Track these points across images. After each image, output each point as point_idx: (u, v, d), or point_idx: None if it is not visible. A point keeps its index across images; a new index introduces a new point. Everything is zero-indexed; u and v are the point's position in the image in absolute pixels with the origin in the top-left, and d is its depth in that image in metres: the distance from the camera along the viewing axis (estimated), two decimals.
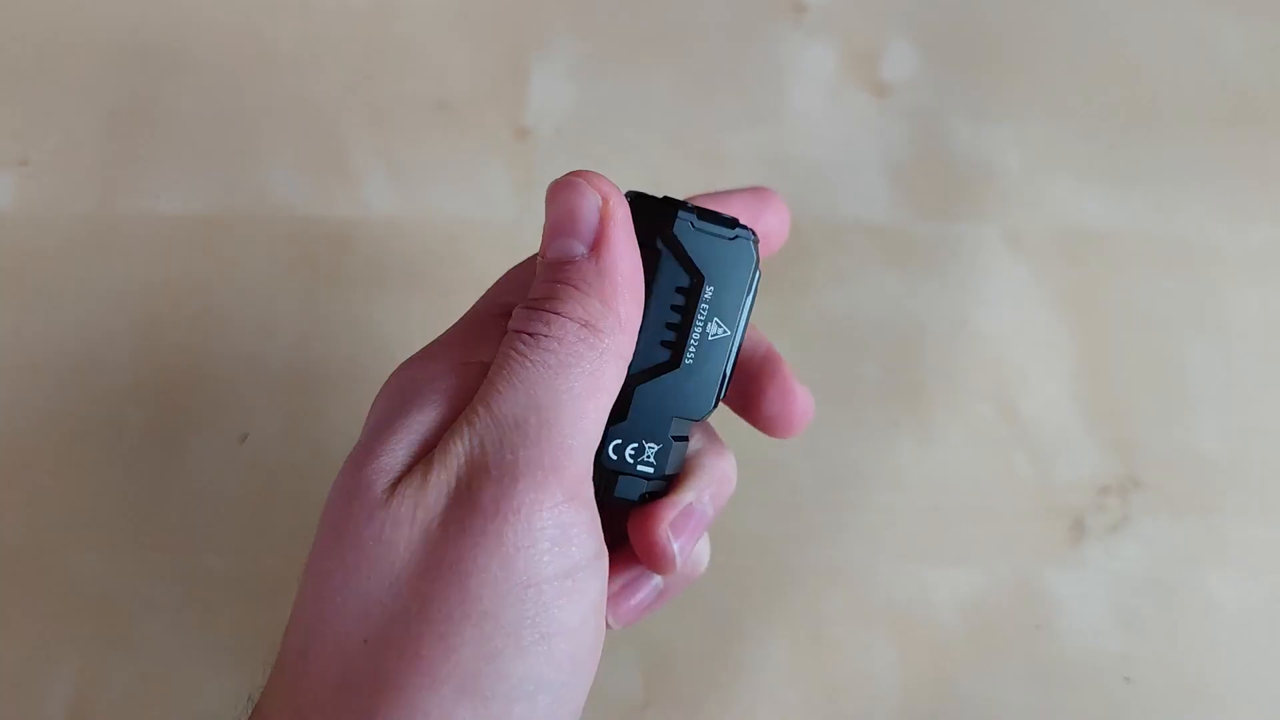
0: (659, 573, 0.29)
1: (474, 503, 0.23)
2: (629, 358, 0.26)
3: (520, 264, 0.29)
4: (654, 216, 0.27)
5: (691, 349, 0.28)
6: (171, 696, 0.38)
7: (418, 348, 0.27)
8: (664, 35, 0.48)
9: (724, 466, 0.30)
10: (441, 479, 0.24)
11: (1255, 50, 0.48)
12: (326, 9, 0.48)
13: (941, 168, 0.46)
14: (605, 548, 0.25)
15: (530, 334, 0.25)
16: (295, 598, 0.25)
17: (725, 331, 0.28)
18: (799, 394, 0.30)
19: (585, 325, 0.25)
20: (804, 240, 0.44)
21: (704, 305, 0.27)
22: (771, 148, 0.47)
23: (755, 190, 0.31)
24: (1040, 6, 0.49)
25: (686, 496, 0.29)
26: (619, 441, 0.28)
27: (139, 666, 0.39)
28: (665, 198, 0.28)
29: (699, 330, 0.28)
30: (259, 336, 0.43)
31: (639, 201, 0.28)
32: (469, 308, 0.29)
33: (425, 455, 0.24)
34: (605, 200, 0.26)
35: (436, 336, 0.28)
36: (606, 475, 0.28)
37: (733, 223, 0.28)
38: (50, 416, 0.42)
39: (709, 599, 0.40)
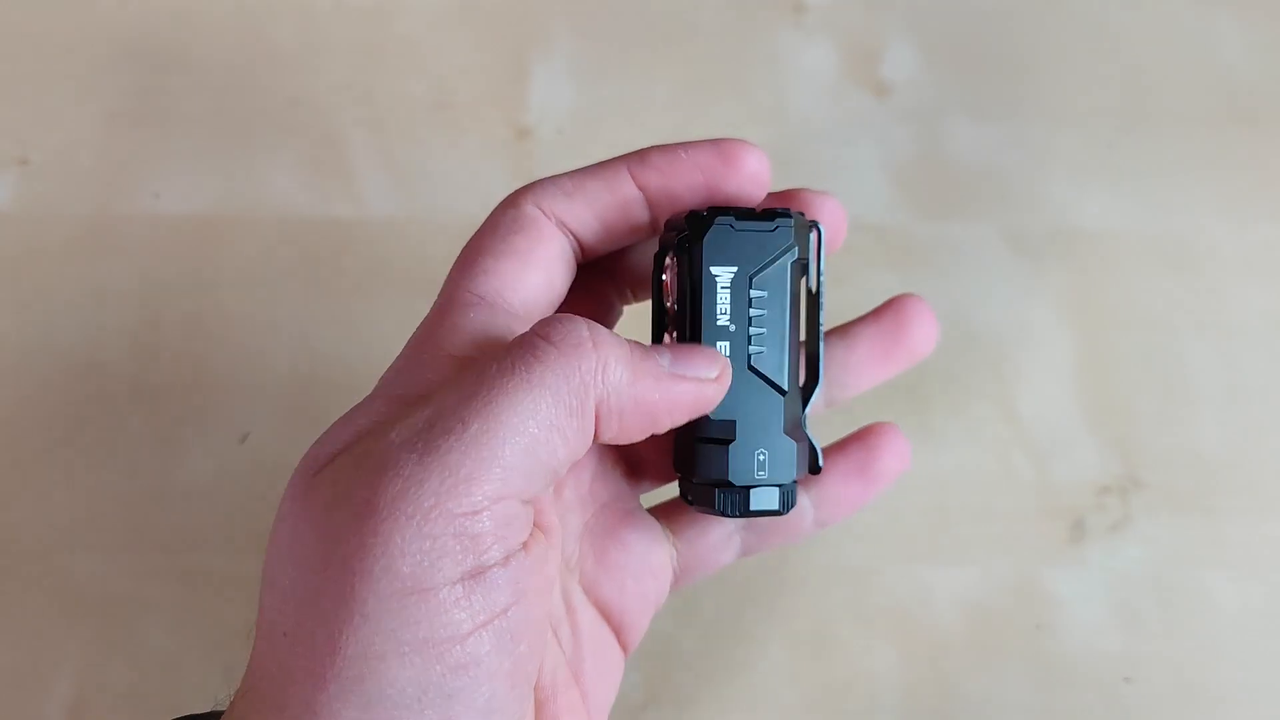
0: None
1: (368, 500, 0.22)
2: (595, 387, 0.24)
3: (481, 234, 0.28)
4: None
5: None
6: (171, 696, 0.38)
7: None
8: (664, 35, 0.48)
9: None
10: (350, 470, 0.23)
11: (1254, 50, 0.48)
12: (326, 9, 0.48)
13: (941, 168, 0.46)
14: (528, 552, 0.23)
15: (539, 336, 0.24)
16: None
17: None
18: (821, 200, 0.31)
19: (596, 349, 0.24)
20: None
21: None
22: (771, 148, 0.46)
23: (715, 145, 0.29)
24: (1040, 6, 0.49)
25: None
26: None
27: (139, 666, 0.39)
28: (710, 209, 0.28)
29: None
30: (259, 336, 0.43)
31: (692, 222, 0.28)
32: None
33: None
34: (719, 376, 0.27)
35: None
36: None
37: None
38: (50, 417, 0.42)
39: (709, 599, 0.40)
